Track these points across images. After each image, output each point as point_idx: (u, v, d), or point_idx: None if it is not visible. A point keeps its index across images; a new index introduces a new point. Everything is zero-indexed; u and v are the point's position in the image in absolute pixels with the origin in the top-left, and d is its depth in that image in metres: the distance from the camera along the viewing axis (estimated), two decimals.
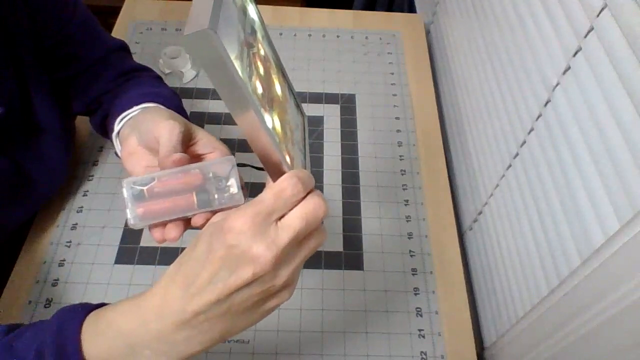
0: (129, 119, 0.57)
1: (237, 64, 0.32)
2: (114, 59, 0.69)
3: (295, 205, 0.35)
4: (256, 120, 0.34)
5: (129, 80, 0.68)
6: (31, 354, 0.39)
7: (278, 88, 0.43)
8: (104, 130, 0.68)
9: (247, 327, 0.38)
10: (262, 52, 0.41)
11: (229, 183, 0.44)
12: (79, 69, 0.68)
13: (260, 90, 0.37)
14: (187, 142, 0.50)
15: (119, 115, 0.58)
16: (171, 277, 0.37)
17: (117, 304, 0.39)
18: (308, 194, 0.36)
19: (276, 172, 0.37)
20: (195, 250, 0.36)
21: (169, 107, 0.58)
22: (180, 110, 0.62)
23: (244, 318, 0.37)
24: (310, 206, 0.35)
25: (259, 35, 0.42)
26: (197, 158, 0.50)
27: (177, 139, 0.48)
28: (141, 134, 0.52)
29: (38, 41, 0.62)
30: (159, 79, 0.71)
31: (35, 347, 0.39)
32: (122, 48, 0.72)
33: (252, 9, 0.41)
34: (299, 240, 0.35)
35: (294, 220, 0.35)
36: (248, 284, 0.34)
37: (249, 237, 0.34)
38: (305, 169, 0.43)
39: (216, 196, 0.44)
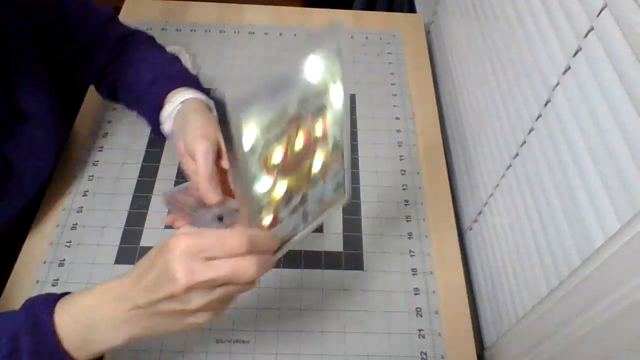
0: (175, 117, 0.61)
1: (253, 129, 0.36)
2: (110, 27, 0.72)
3: (233, 257, 0.39)
4: (238, 177, 0.38)
5: (129, 44, 0.72)
6: (5, 337, 0.43)
7: (317, 164, 0.45)
8: (114, 96, 0.74)
9: (177, 331, 0.43)
10: (316, 128, 0.42)
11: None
12: (78, 47, 0.70)
13: (277, 155, 0.40)
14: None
15: (158, 108, 0.63)
16: (136, 268, 0.43)
17: (85, 288, 0.45)
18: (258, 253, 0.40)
19: (245, 223, 0.42)
20: (152, 251, 0.42)
21: (192, 86, 0.64)
22: (201, 86, 0.67)
23: (171, 323, 0.42)
24: (241, 266, 0.39)
25: (330, 117, 0.43)
26: (220, 172, 0.55)
27: (213, 163, 0.53)
28: (186, 141, 0.56)
29: (29, 25, 0.63)
30: (153, 40, 0.76)
31: (10, 330, 0.43)
32: (113, 16, 0.75)
33: (337, 94, 0.42)
34: (219, 283, 0.40)
35: (219, 268, 0.39)
36: (167, 298, 0.40)
37: (179, 259, 0.39)
38: (296, 238, 0.48)
39: (195, 214, 0.53)
